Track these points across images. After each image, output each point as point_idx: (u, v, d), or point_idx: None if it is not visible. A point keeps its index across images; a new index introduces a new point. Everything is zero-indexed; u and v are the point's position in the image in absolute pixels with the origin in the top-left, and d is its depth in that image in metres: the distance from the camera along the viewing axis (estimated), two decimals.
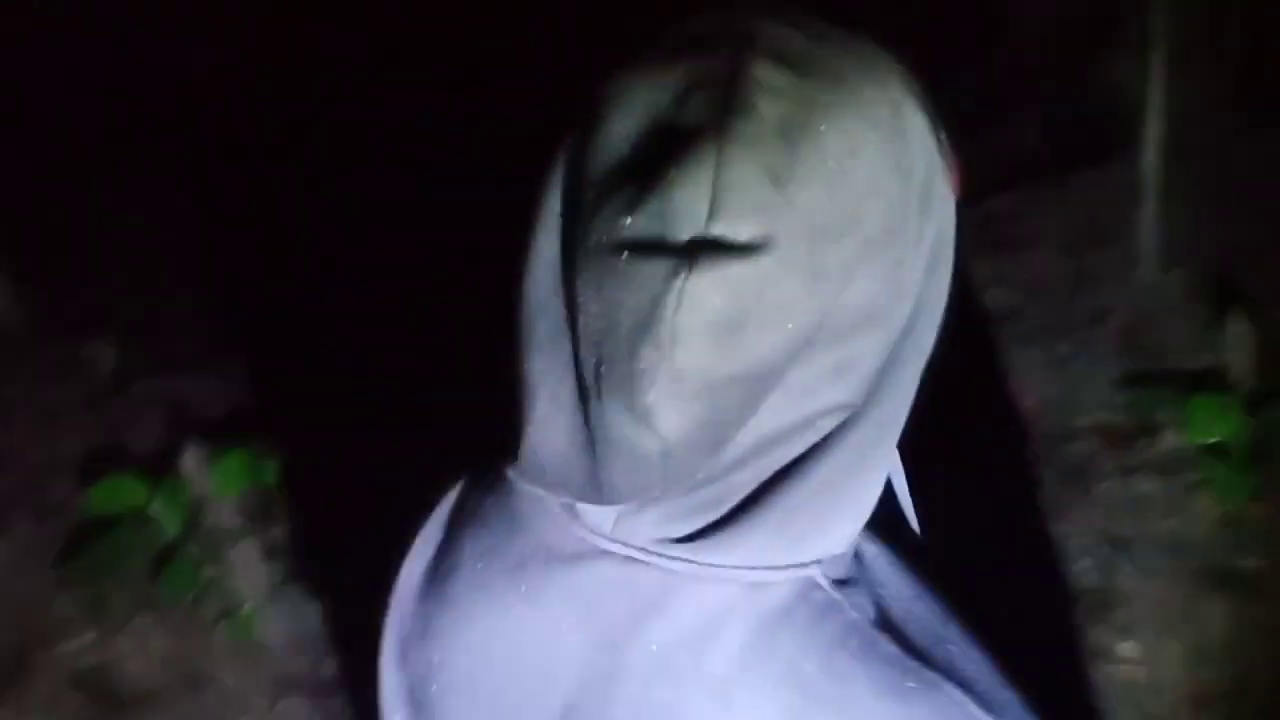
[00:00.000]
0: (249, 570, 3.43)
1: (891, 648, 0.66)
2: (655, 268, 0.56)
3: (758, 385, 0.59)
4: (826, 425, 0.64)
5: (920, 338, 0.69)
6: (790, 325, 0.58)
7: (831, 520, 0.67)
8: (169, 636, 3.59)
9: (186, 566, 3.37)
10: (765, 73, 0.59)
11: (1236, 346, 2.97)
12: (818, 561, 0.67)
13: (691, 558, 0.65)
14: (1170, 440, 3.44)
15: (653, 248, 0.56)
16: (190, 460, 3.34)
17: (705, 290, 0.55)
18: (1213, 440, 2.91)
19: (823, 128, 0.59)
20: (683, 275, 0.55)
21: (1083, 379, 4.01)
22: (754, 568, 0.65)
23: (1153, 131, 4.43)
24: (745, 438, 0.62)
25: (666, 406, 0.57)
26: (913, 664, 0.66)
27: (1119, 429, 3.62)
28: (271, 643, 3.44)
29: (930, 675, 0.65)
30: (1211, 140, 5.25)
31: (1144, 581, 2.98)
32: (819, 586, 0.67)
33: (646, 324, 0.55)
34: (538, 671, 0.70)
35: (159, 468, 3.50)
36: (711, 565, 0.65)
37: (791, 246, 0.57)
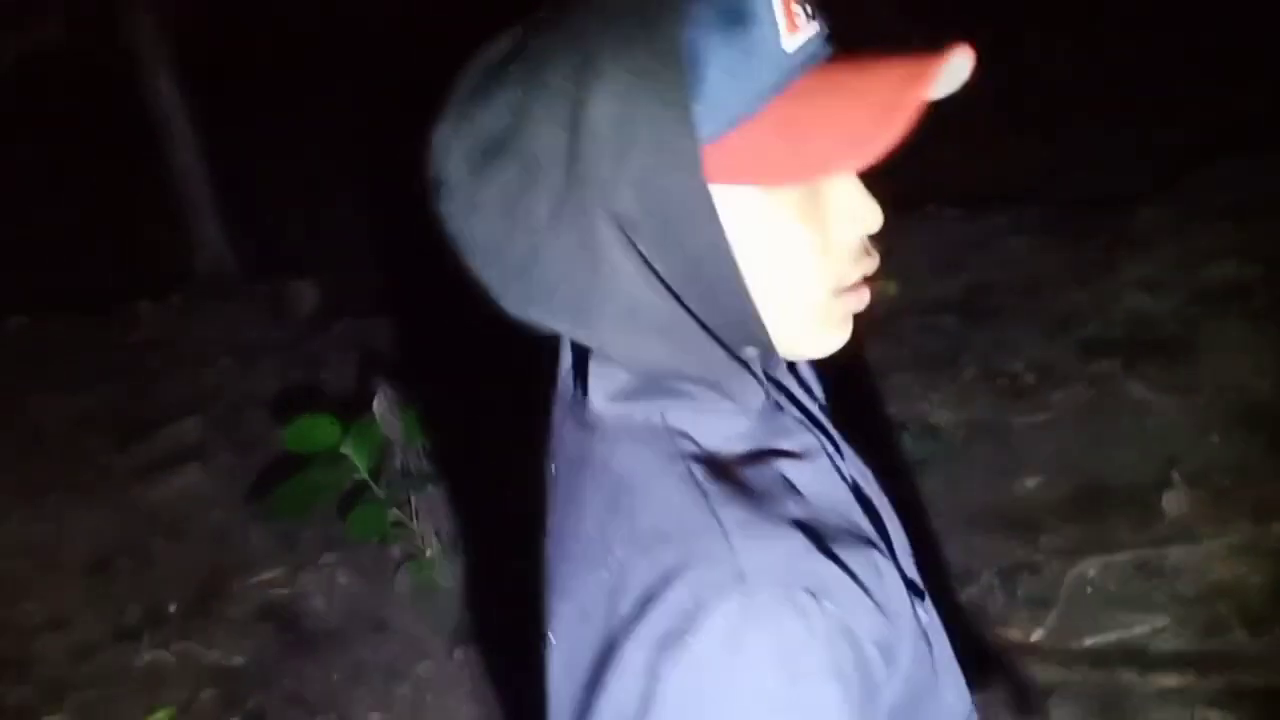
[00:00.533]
0: (433, 517, 3.43)
1: (687, 470, 0.77)
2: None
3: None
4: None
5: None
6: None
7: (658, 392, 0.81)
8: (354, 576, 3.64)
9: (374, 509, 3.38)
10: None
11: None
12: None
13: (591, 405, 0.84)
14: None
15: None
16: (382, 404, 3.34)
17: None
18: None
19: (498, 97, 0.75)
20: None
21: None
22: (613, 415, 0.83)
23: None
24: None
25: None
26: (700, 489, 0.76)
27: None
28: (452, 590, 3.44)
29: (714, 502, 0.75)
30: None
31: None
32: (653, 425, 0.81)
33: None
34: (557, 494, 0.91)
35: (353, 409, 3.53)
36: (592, 411, 0.84)
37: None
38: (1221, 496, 3.17)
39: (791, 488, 0.80)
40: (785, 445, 0.85)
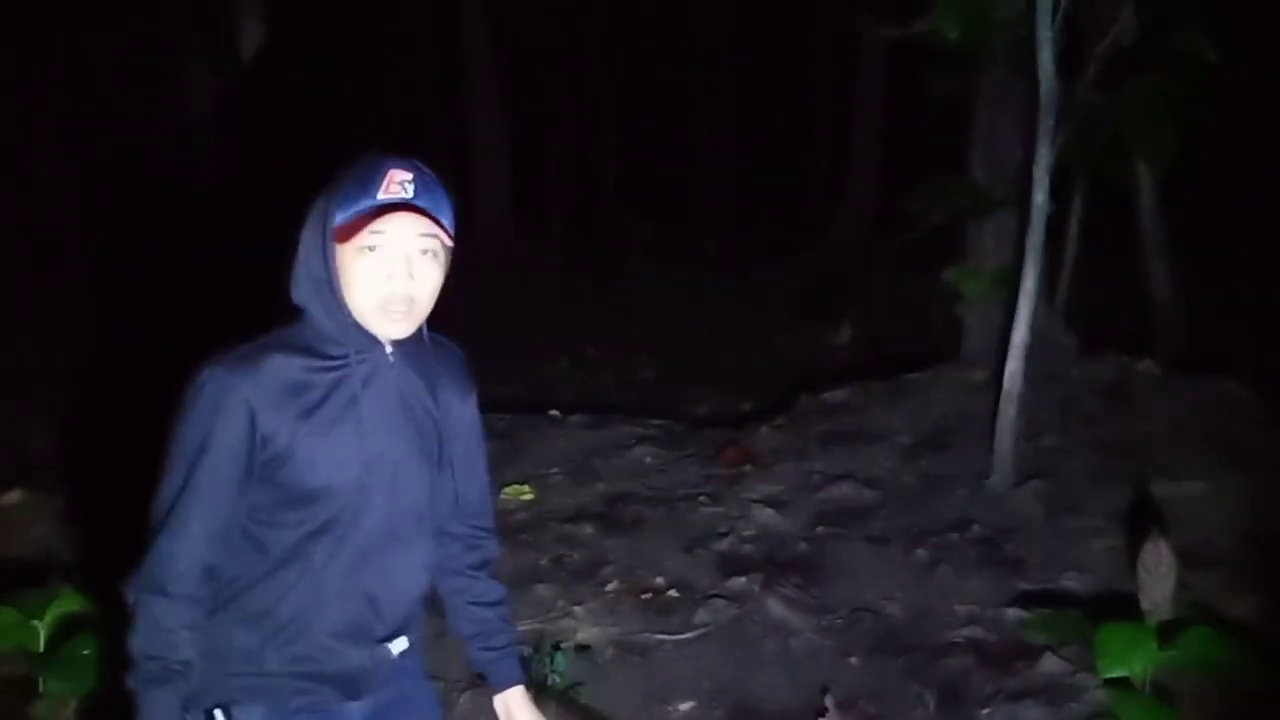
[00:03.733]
0: None
1: (268, 340, 1.70)
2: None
3: None
4: None
5: (302, 263, 1.71)
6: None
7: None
8: None
9: None
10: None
11: (1155, 573, 2.83)
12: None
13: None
14: (1051, 665, 3.26)
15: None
16: None
17: None
18: (1123, 673, 2.73)
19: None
20: None
21: (950, 589, 3.83)
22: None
23: (1018, 345, 4.42)
24: None
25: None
26: (232, 353, 1.67)
27: (996, 648, 3.44)
28: None
29: (233, 356, 1.66)
30: (1053, 364, 5.37)
31: None
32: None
33: None
34: None
35: None
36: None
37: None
38: None
39: (311, 373, 1.68)
40: (344, 363, 1.70)
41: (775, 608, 3.79)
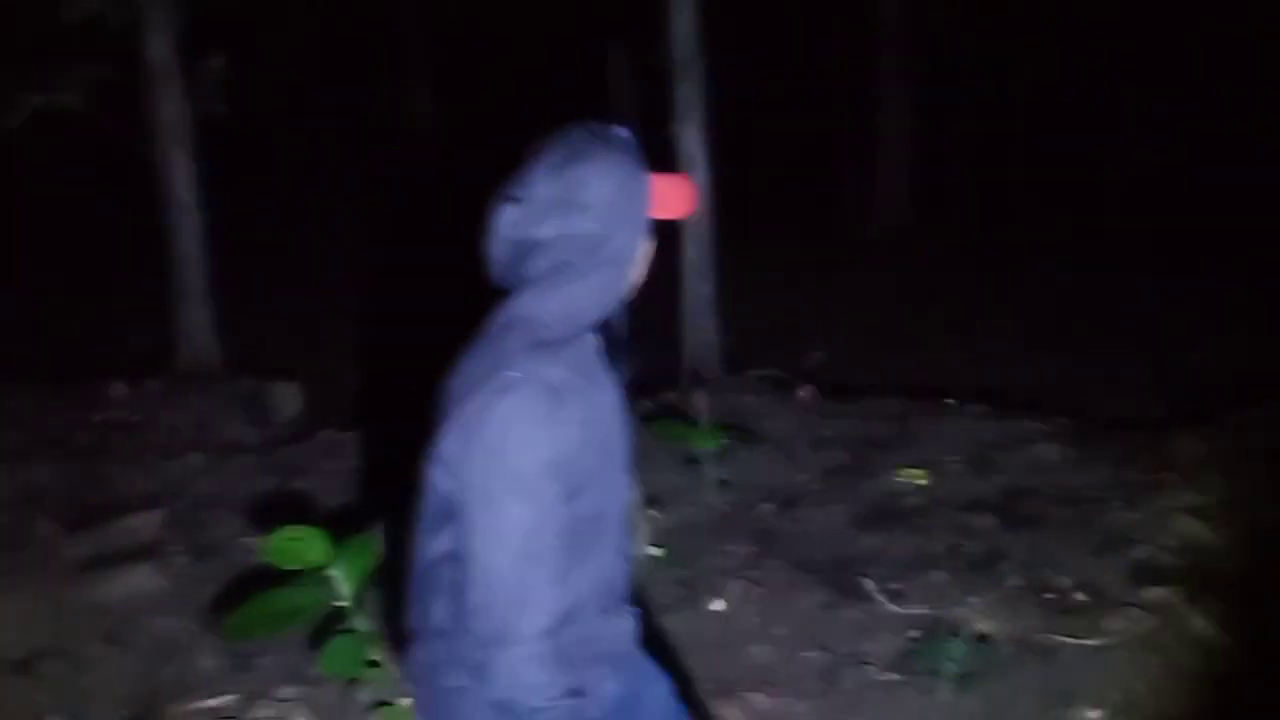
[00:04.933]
0: None
1: (533, 343, 1.64)
2: (501, 204, 1.68)
3: (527, 247, 1.66)
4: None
5: (609, 248, 1.66)
6: (537, 230, 1.64)
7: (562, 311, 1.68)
8: (315, 716, 3.19)
9: (353, 642, 2.96)
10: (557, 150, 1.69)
11: None
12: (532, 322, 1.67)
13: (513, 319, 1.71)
14: None
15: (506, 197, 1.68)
16: (386, 523, 2.96)
17: (505, 211, 1.66)
18: None
19: (566, 169, 1.64)
20: (500, 207, 1.67)
21: None
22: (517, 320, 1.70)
23: None
24: (533, 268, 1.66)
25: (492, 248, 1.70)
26: (532, 349, 1.63)
27: None
28: None
29: (534, 353, 1.62)
30: None
31: None
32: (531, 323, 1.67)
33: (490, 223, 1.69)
34: None
35: (337, 525, 3.13)
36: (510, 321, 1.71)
37: (536, 200, 1.64)
38: None
39: (575, 367, 1.65)
40: (586, 345, 1.72)
41: (1200, 624, 3.43)
